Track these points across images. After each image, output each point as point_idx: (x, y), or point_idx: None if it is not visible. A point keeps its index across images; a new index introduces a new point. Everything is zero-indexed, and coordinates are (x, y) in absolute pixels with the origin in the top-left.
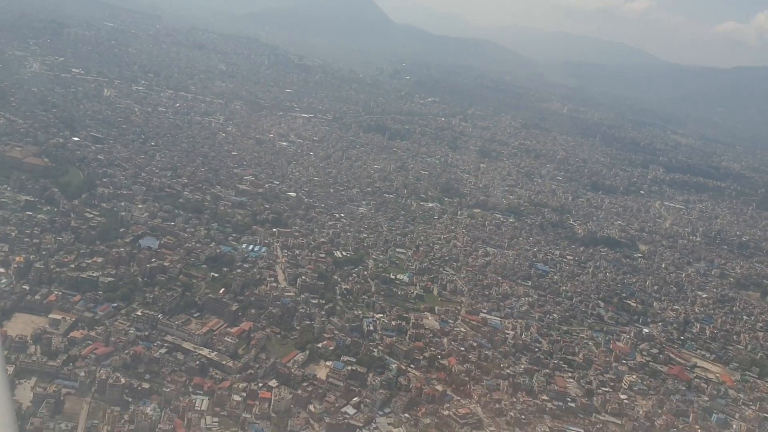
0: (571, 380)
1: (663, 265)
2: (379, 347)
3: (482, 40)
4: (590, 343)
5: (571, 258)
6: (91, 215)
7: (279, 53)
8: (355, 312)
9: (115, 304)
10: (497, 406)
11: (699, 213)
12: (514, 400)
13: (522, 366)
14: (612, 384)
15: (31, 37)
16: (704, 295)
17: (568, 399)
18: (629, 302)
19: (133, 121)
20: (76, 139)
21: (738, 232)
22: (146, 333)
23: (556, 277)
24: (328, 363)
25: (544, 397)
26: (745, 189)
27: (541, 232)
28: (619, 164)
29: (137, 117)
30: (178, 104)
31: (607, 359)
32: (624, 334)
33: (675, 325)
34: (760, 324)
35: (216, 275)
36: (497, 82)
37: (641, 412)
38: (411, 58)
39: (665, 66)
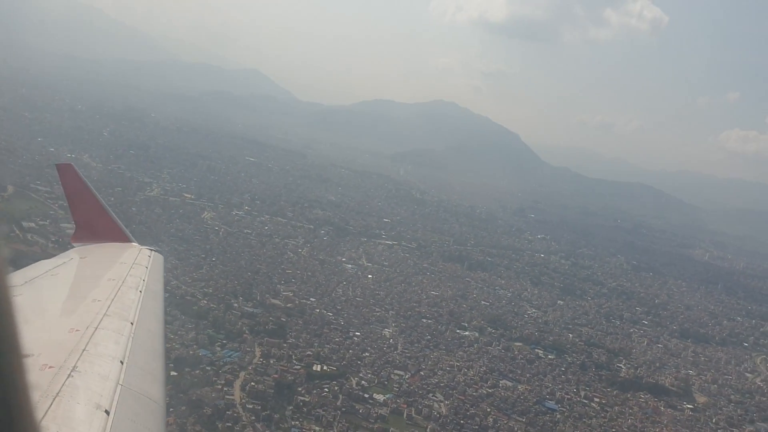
0: None
1: (714, 420)
2: None
3: (638, 183)
4: None
5: (599, 401)
6: None
7: (401, 188)
8: (293, 423)
9: None
10: None
11: None
12: None
13: None
14: None
15: (169, 168)
16: None
17: None
18: None
19: (211, 239)
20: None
21: None
22: None
23: (560, 416)
24: None
25: None
26: None
27: (581, 371)
28: (731, 314)
29: (217, 236)
30: (267, 227)
31: None
32: None
33: None
34: None
35: (175, 374)
36: (639, 226)
37: None
38: (550, 199)
39: None
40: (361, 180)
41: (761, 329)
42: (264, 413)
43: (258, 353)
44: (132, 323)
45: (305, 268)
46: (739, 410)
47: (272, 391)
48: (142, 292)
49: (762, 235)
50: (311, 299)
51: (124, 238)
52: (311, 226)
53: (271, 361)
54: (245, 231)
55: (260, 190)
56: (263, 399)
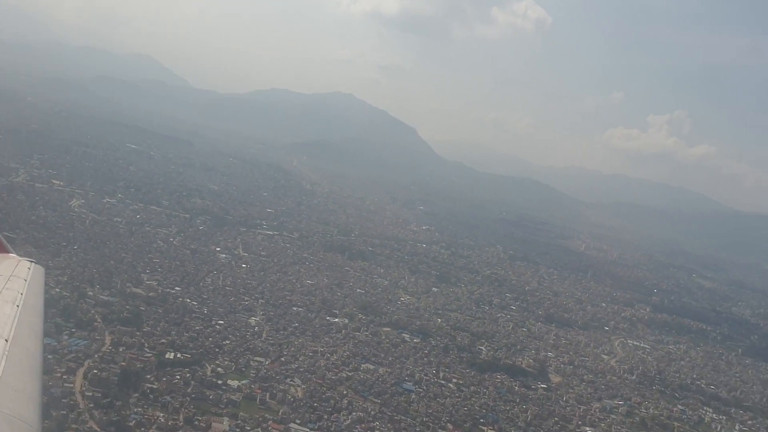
0: None
1: (564, 398)
2: None
3: (528, 178)
4: None
5: (456, 381)
6: None
7: (292, 179)
8: (136, 410)
9: None
10: None
11: (664, 354)
12: None
13: None
14: None
15: (40, 153)
16: (588, 430)
17: None
18: (484, 428)
19: (75, 227)
20: None
21: (694, 375)
22: None
23: (415, 397)
24: None
25: None
26: (735, 335)
27: (443, 354)
28: (596, 300)
29: (83, 225)
30: (139, 216)
31: None
32: None
33: None
34: None
35: None
36: (522, 218)
37: None
38: (441, 192)
39: (725, 212)
40: (249, 170)
41: (622, 314)
42: (105, 401)
43: (108, 341)
44: (6, 340)
45: (174, 257)
46: (589, 389)
47: (117, 378)
48: (20, 306)
49: (638, 227)
50: (176, 288)
51: (1, 249)
52: (187, 215)
53: (121, 349)
54: (115, 219)
55: (137, 178)
56: (106, 386)
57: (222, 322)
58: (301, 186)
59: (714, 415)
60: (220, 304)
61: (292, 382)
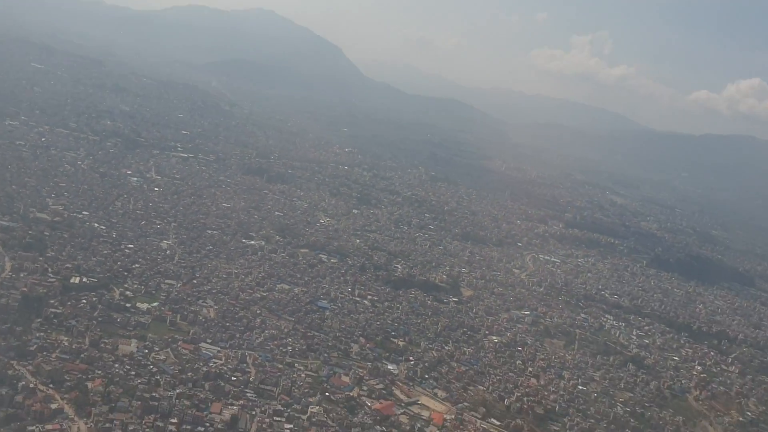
0: (233, 407)
1: (474, 310)
2: (29, 366)
3: (453, 99)
4: (305, 376)
5: (371, 298)
6: None
7: (210, 100)
8: (39, 334)
9: None
10: (107, 425)
11: (573, 267)
12: (142, 422)
13: (177, 391)
14: (287, 414)
15: None
16: (496, 339)
17: (207, 423)
18: (395, 341)
19: None
20: None
21: (600, 286)
22: None
23: (330, 314)
24: None
25: (174, 420)
26: (641, 247)
27: (359, 273)
28: (512, 218)
29: None
30: (44, 139)
31: (307, 391)
32: (361, 369)
33: (427, 364)
34: (531, 369)
35: None
36: (446, 140)
37: None
38: (367, 114)
39: (641, 131)
40: (164, 90)
41: (535, 231)
42: (4, 326)
43: (8, 267)
44: None
45: (82, 181)
46: (499, 301)
47: (18, 304)
48: None
49: (558, 147)
50: (83, 213)
51: None
52: (97, 138)
53: (22, 275)
54: (17, 143)
55: (43, 99)
56: (5, 312)
57: (132, 246)
58: (219, 107)
59: (614, 321)
60: (130, 228)
61: (204, 304)
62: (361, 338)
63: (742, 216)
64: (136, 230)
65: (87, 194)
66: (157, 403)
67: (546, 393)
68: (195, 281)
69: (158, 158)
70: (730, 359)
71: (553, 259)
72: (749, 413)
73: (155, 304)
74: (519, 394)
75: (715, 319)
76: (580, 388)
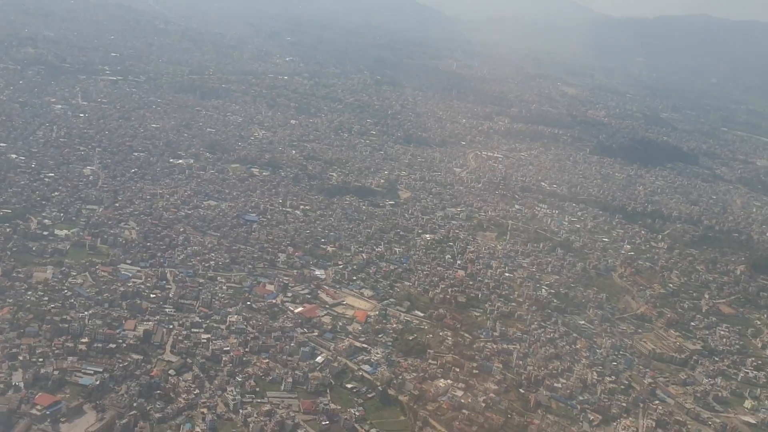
0: (148, 323)
1: (410, 212)
2: None
3: None
4: (227, 288)
5: (303, 208)
6: None
7: (143, 18)
8: None
9: None
10: (14, 351)
11: (515, 161)
12: (51, 344)
13: (90, 312)
14: (206, 325)
15: None
16: (428, 237)
17: (119, 340)
18: (325, 247)
19: None
20: None
21: (539, 177)
22: None
23: (258, 226)
24: None
25: (84, 340)
26: (586, 136)
27: (292, 184)
28: (457, 117)
29: None
30: None
31: (228, 302)
32: (286, 277)
33: (356, 267)
34: (459, 262)
35: None
36: (395, 41)
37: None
38: (313, 20)
39: (596, 18)
40: (93, 12)
41: (480, 128)
42: None
43: None
44: None
45: (0, 112)
46: (435, 200)
47: None
48: None
49: (512, 41)
50: (1, 145)
51: None
52: (18, 67)
53: None
54: None
55: None
56: None
57: (52, 174)
58: (154, 25)
59: (547, 210)
60: (52, 157)
61: (126, 226)
62: (289, 247)
63: (694, 96)
64: (57, 158)
65: (5, 125)
66: (67, 325)
67: (471, 283)
68: (117, 204)
69: (85, 83)
70: (661, 236)
71: (495, 155)
72: (671, 285)
73: (74, 230)
74: (444, 286)
75: (653, 199)
76: (507, 275)
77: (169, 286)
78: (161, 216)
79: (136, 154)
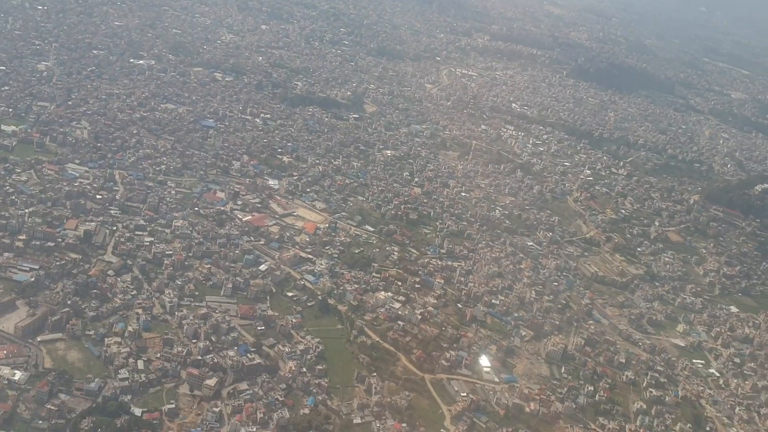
0: (91, 223)
1: (374, 126)
2: None
3: None
4: (176, 192)
5: (264, 116)
6: None
7: None
8: None
9: None
10: None
11: (489, 80)
12: None
13: (30, 210)
14: (150, 228)
15: None
16: (389, 153)
17: (59, 239)
18: (282, 157)
19: None
20: None
21: (511, 98)
22: None
23: (215, 132)
24: None
25: (22, 237)
26: (564, 58)
27: (255, 91)
28: (434, 31)
29: None
30: None
31: (175, 206)
32: (239, 185)
33: (311, 179)
34: (417, 180)
35: None
36: None
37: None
38: None
39: None
40: None
41: (457, 44)
42: None
43: None
44: None
45: None
46: (401, 116)
47: None
48: None
49: None
50: None
51: None
52: None
53: None
54: None
55: None
56: None
57: (3, 68)
58: None
59: (514, 132)
60: (4, 50)
61: (78, 126)
62: (244, 156)
63: (681, 24)
64: (11, 51)
65: None
66: (5, 222)
67: (426, 201)
68: (71, 103)
69: None
70: (623, 163)
71: (470, 72)
72: (623, 211)
73: (23, 126)
74: (397, 203)
75: (622, 126)
76: (463, 194)
77: (117, 188)
78: (115, 117)
79: (95, 51)
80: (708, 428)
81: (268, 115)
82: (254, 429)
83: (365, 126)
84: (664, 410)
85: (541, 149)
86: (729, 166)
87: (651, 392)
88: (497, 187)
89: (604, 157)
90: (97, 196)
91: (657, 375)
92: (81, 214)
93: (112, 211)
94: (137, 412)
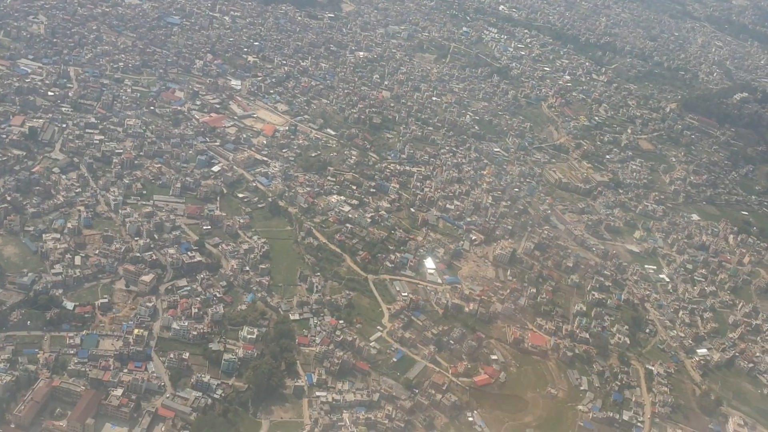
0: (39, 120)
1: (349, 26)
2: None
3: None
4: (131, 91)
5: (233, 14)
6: None
7: None
8: None
9: None
10: None
11: None
12: None
13: None
14: (101, 127)
15: None
16: (362, 55)
17: (3, 135)
18: (247, 57)
19: None
20: None
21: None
22: None
23: (179, 29)
24: None
25: None
26: None
27: None
28: None
29: None
30: None
31: (130, 105)
32: (199, 85)
33: (275, 80)
34: (388, 83)
35: None
36: None
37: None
38: None
39: None
40: None
41: None
42: None
43: None
44: None
45: None
46: (379, 16)
47: None
48: None
49: None
50: None
51: None
52: None
53: None
54: None
55: None
56: None
57: None
58: None
59: (496, 35)
60: None
61: (34, 20)
62: (208, 54)
63: None
64: None
65: None
66: None
67: (393, 105)
68: None
69: None
70: (605, 69)
71: None
72: (597, 118)
73: None
74: (362, 106)
75: (612, 32)
76: (434, 99)
77: (71, 85)
78: (75, 11)
79: None
80: (647, 330)
81: (238, 13)
82: (187, 323)
83: (340, 26)
84: (604, 312)
85: (523, 53)
86: (715, 74)
87: (593, 295)
88: (471, 92)
89: (587, 63)
90: (49, 93)
91: (603, 279)
92: (30, 110)
93: (63, 109)
94: (69, 305)
